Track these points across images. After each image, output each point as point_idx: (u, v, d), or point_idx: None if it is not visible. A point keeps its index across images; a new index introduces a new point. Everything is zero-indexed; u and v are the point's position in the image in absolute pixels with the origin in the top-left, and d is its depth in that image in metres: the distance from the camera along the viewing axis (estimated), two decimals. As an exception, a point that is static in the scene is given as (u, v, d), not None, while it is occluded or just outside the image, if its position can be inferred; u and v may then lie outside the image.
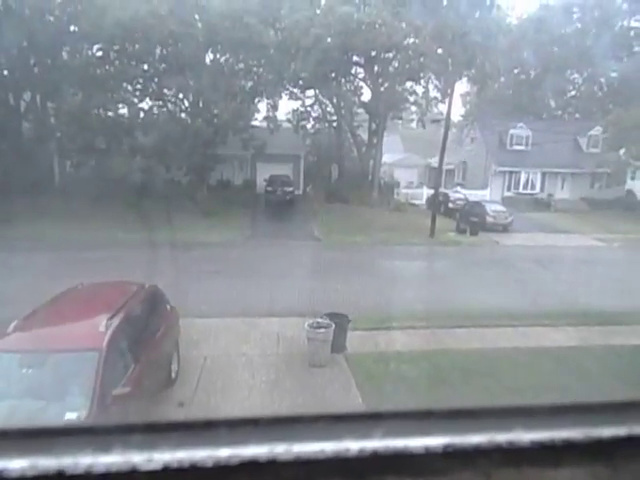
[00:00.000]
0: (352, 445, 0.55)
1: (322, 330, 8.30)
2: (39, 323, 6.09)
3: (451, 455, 0.56)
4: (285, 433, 0.56)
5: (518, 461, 0.57)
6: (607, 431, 0.59)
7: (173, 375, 7.53)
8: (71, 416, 4.77)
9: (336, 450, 0.55)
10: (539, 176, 35.11)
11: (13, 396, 5.09)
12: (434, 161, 35.52)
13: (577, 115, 42.77)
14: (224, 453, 0.53)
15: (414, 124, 36.25)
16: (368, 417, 0.60)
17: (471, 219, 23.87)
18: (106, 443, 0.53)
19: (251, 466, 0.53)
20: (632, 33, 37.52)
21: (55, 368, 5.30)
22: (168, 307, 7.97)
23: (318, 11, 25.50)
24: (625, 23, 38.21)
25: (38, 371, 5.31)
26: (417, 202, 32.53)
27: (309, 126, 35.11)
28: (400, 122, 36.88)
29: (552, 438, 0.58)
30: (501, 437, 0.57)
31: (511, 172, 34.87)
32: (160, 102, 24.79)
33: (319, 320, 8.52)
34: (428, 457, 0.56)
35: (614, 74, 38.36)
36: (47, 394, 5.13)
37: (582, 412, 0.63)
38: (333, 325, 8.42)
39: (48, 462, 0.52)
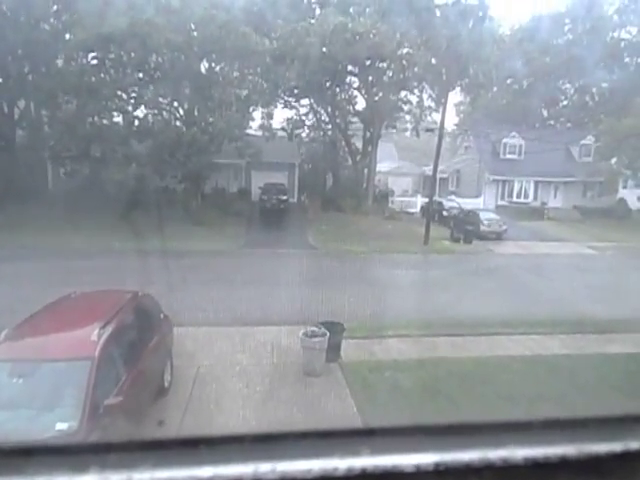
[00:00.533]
0: (340, 463, 0.53)
1: (317, 339, 8.25)
2: (30, 332, 6.02)
3: (442, 473, 0.54)
4: (270, 451, 0.54)
5: (511, 479, 0.55)
6: (602, 447, 0.57)
7: (166, 385, 7.45)
8: (62, 426, 4.69)
9: (323, 468, 0.53)
10: (532, 185, 35.35)
11: (2, 406, 5.01)
12: (428, 169, 35.70)
13: (569, 124, 43.21)
14: (206, 473, 0.51)
15: (408, 133, 36.50)
16: (356, 433, 0.58)
17: (465, 227, 23.95)
18: (83, 463, 0.50)
19: (235, 486, 0.51)
20: (622, 44, 38.08)
21: (46, 377, 5.22)
22: (161, 316, 7.91)
23: (313, 21, 25.70)
24: (616, 34, 38.80)
25: (29, 380, 5.24)
26: (411, 210, 32.62)
27: (304, 135, 35.23)
28: (394, 131, 37.05)
29: (546, 455, 0.56)
30: (494, 454, 0.55)
31: (504, 181, 35.10)
32: (155, 110, 24.76)
33: (314, 329, 8.48)
34: (419, 475, 0.54)
35: (605, 84, 38.87)
36: (38, 404, 5.05)
37: (577, 427, 0.61)
38: (328, 334, 8.38)
39: (22, 483, 0.50)
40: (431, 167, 26.23)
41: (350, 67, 28.42)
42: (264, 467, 0.52)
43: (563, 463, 0.56)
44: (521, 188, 35.26)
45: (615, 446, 0.58)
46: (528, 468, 0.55)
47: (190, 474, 0.51)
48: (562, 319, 11.02)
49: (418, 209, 32.57)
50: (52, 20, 24.24)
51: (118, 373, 5.67)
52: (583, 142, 35.55)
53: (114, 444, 0.53)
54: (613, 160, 31.05)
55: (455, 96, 41.20)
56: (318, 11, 27.23)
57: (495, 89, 39.83)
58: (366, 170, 32.09)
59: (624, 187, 34.06)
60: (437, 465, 0.54)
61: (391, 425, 0.58)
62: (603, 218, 30.31)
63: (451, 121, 53.26)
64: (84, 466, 0.51)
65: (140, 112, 24.99)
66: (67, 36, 23.61)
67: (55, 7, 24.02)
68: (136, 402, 5.89)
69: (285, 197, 28.84)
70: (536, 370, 8.66)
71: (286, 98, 31.42)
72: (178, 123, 24.99)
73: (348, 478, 0.53)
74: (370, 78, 29.10)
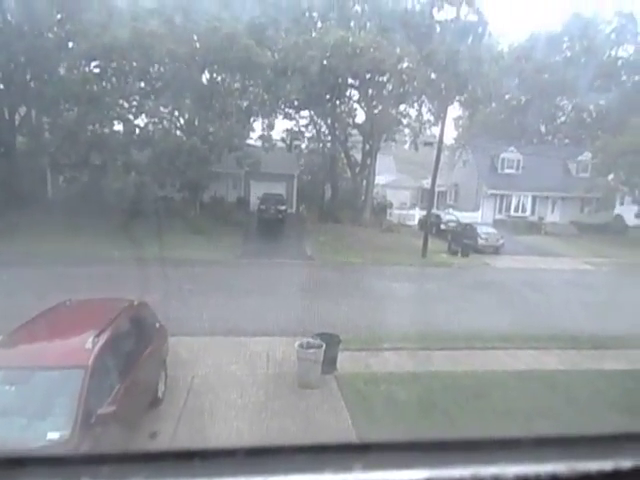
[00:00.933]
0: (332, 478, 0.53)
1: (312, 350, 8.21)
2: (25, 339, 5.98)
3: (434, 490, 0.54)
4: (263, 465, 0.54)
5: (502, 497, 0.55)
6: (593, 465, 0.58)
7: (160, 395, 7.38)
8: (53, 435, 4.63)
9: None
10: (530, 199, 35.54)
11: (-6, 414, 4.95)
12: (426, 183, 35.87)
13: (567, 140, 43.60)
14: None
15: (407, 146, 36.66)
16: (349, 448, 0.58)
17: (463, 241, 24.01)
18: (74, 474, 0.50)
19: (226, 500, 0.51)
20: (619, 62, 38.58)
21: (39, 385, 5.17)
22: (157, 325, 7.87)
23: (314, 34, 25.97)
24: (613, 53, 39.34)
25: (22, 388, 5.18)
26: (409, 223, 32.72)
27: (303, 146, 35.40)
28: (393, 144, 37.27)
29: (537, 472, 0.56)
30: (485, 471, 0.55)
31: (502, 195, 35.29)
32: (156, 119, 24.87)
33: (309, 340, 8.44)
34: None
35: (602, 102, 39.30)
36: (30, 412, 4.99)
37: (568, 445, 0.61)
38: (324, 345, 8.34)
39: (13, 494, 0.50)
40: (429, 180, 26.36)
41: (350, 80, 28.65)
42: None
43: None
44: (519, 202, 35.45)
45: (606, 464, 0.58)
46: None
47: None
48: (558, 334, 11.01)
49: (416, 222, 32.67)
50: (56, 29, 24.39)
51: (112, 382, 5.62)
52: (580, 158, 35.83)
53: (107, 455, 0.53)
54: (610, 176, 31.27)
55: (454, 110, 41.60)
56: (319, 25, 27.52)
57: (494, 104, 40.19)
58: (365, 182, 32.22)
59: (621, 204, 34.27)
60: None
61: (384, 440, 0.58)
62: (600, 234, 30.44)
63: (450, 135, 53.74)
64: (75, 477, 0.51)
65: (141, 121, 25.12)
66: (70, 45, 23.78)
67: (59, 16, 24.21)
68: (129, 412, 5.84)
69: (283, 207, 28.89)
70: (532, 385, 8.62)
71: (286, 110, 31.61)
72: (178, 132, 25.10)
73: None
74: (370, 91, 29.35)
